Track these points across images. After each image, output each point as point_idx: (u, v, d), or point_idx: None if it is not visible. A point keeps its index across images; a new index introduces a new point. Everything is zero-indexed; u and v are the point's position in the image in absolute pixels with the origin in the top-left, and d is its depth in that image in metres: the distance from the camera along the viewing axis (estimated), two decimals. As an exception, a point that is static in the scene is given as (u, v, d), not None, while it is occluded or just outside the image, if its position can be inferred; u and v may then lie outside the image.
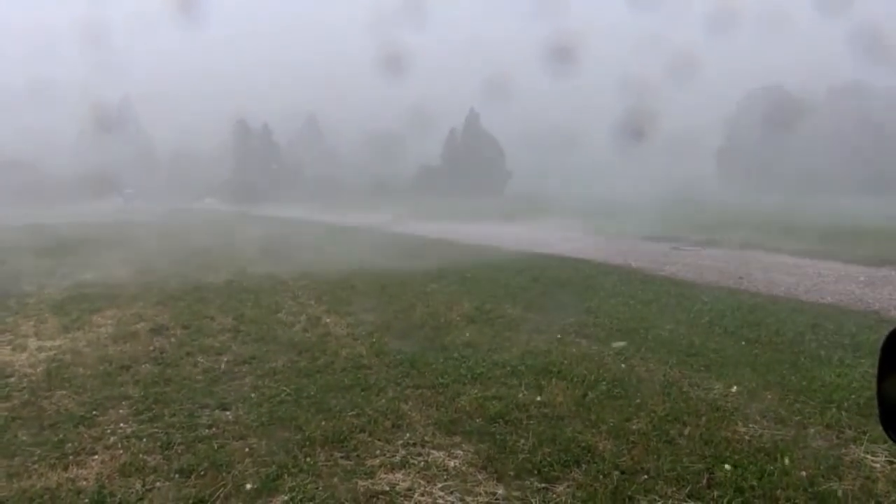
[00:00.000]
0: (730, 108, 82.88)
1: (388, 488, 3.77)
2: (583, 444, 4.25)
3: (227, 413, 5.00)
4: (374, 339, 7.16)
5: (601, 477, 3.82)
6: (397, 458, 4.16)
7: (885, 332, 1.62)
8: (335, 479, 3.86)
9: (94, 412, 5.05)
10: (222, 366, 6.30)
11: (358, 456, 4.19)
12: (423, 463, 4.09)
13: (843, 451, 4.14)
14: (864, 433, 4.33)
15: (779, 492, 3.61)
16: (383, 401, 5.16)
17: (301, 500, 3.63)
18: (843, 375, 5.55)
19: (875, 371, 1.59)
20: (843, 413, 4.69)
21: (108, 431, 4.67)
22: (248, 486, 3.79)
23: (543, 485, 3.77)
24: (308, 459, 4.12)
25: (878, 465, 3.92)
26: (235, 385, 5.71)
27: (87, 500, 3.68)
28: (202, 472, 3.97)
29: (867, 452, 4.08)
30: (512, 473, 3.90)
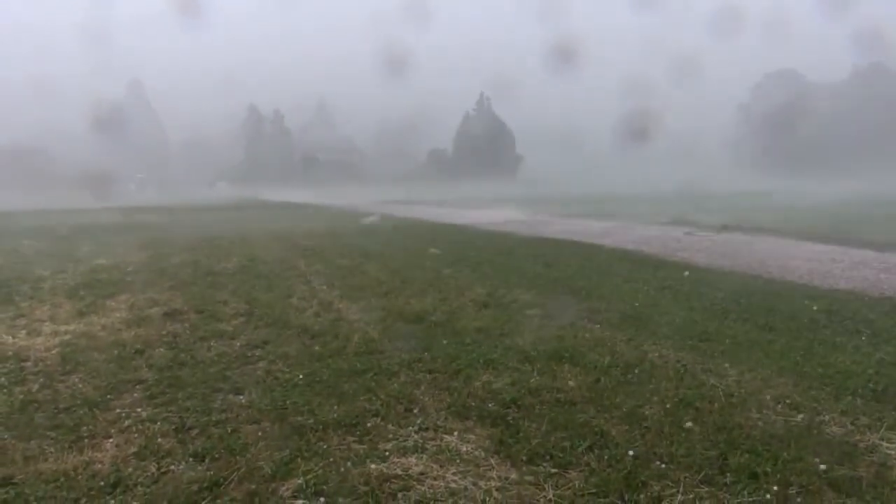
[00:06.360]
0: (743, 97, 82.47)
1: (401, 472, 3.78)
2: (596, 430, 4.24)
3: (241, 397, 5.02)
4: (387, 324, 7.17)
5: (614, 462, 3.82)
6: (410, 442, 4.17)
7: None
8: (348, 464, 3.87)
9: (109, 396, 5.09)
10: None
11: (371, 440, 4.20)
12: (435, 447, 4.09)
13: (858, 437, 4.10)
14: (880, 420, 4.30)
15: (793, 478, 3.59)
16: (396, 385, 5.16)
17: (314, 484, 3.64)
18: (859, 362, 5.49)
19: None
20: (859, 400, 4.65)
21: (123, 415, 4.70)
22: (265, 469, 3.80)
23: (556, 470, 3.77)
24: (321, 444, 4.14)
25: (893, 453, 3.88)
26: (249, 369, 5.73)
27: (102, 483, 3.71)
28: (216, 456, 3.99)
29: (882, 439, 4.05)
30: (525, 458, 3.90)
